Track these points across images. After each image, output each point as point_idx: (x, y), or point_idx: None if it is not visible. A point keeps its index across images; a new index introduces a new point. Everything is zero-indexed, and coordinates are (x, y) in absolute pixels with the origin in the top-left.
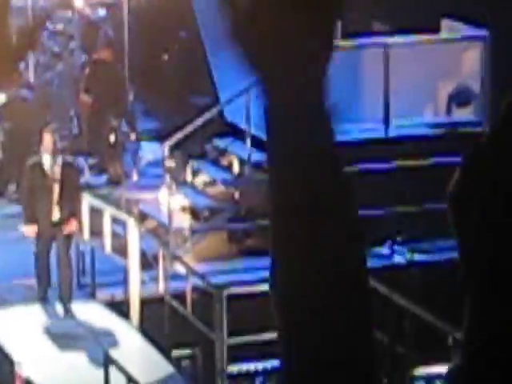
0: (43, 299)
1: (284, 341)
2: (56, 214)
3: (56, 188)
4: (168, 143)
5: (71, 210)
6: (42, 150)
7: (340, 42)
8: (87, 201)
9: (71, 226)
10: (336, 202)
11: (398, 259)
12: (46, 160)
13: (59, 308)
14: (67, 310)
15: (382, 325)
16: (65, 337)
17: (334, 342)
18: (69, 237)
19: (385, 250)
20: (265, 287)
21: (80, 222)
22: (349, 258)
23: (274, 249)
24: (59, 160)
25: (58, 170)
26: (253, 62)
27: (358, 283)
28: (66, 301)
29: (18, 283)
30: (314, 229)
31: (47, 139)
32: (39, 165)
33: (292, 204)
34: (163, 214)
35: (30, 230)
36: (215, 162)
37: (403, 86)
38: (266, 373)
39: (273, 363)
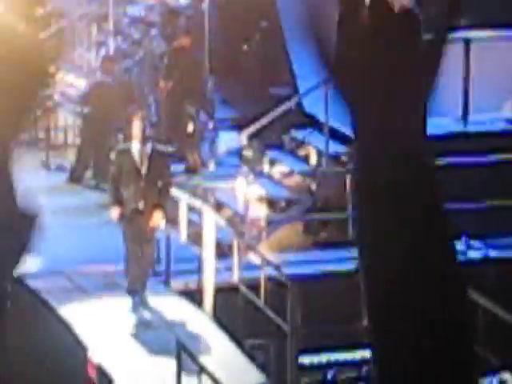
0: (132, 292)
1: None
2: (141, 204)
3: (143, 177)
4: (246, 133)
5: (157, 201)
6: (131, 137)
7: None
8: None
9: (155, 220)
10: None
11: (472, 254)
12: (135, 147)
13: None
14: (142, 300)
15: None
16: (138, 325)
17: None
18: (153, 228)
19: (460, 245)
20: (338, 279)
21: (166, 214)
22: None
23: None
24: (148, 148)
25: (146, 158)
26: (346, 99)
27: (446, 275)
28: (141, 291)
29: (95, 269)
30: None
31: (136, 126)
32: (128, 152)
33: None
34: (239, 204)
35: (114, 214)
36: (293, 153)
37: (483, 82)
38: (338, 365)
39: (345, 355)
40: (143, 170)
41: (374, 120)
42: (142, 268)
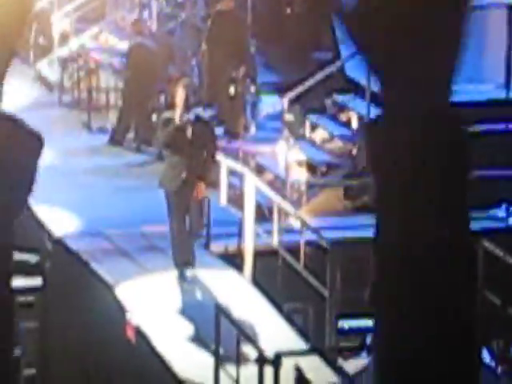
0: (179, 265)
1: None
2: (184, 174)
3: (187, 146)
4: (287, 97)
5: (201, 171)
6: (174, 104)
7: None
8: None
9: (199, 192)
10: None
11: None
12: (179, 115)
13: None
14: (188, 274)
15: (495, 287)
16: (178, 289)
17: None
18: (197, 199)
19: (501, 212)
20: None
21: (211, 185)
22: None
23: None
24: (192, 116)
25: (190, 127)
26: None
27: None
28: (189, 264)
29: (136, 232)
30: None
31: (180, 94)
32: (171, 120)
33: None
34: (280, 168)
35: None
36: (334, 118)
37: None
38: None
39: None
40: (187, 139)
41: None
42: (188, 241)
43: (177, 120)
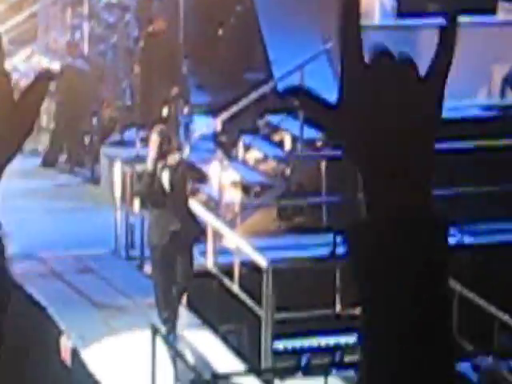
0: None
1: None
2: (171, 228)
3: (165, 196)
4: (220, 118)
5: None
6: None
7: (395, 22)
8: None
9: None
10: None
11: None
12: (151, 163)
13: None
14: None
15: None
16: (112, 308)
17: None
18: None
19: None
20: (311, 264)
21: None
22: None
23: None
24: (169, 162)
25: (166, 174)
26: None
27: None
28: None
29: (69, 254)
30: None
31: (154, 140)
32: (146, 173)
33: None
34: (214, 189)
35: None
36: (267, 138)
37: (457, 68)
38: (312, 350)
39: (319, 340)
40: (165, 189)
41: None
42: (173, 298)
43: (149, 167)
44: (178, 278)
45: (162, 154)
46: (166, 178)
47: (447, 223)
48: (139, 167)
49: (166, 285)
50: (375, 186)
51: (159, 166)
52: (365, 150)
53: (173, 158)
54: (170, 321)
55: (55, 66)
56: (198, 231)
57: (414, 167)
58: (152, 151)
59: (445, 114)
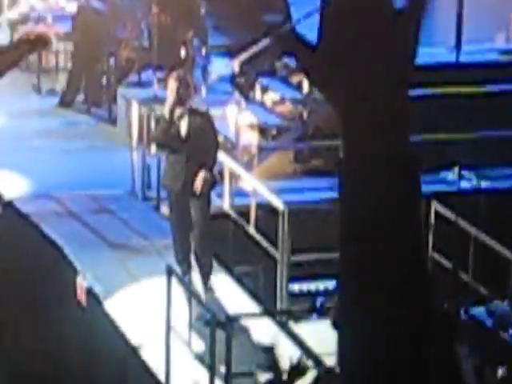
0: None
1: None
2: (183, 174)
3: (182, 143)
4: (238, 59)
5: (200, 169)
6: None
7: None
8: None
9: (198, 186)
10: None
11: (464, 185)
12: (168, 110)
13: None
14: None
15: (446, 251)
16: (127, 248)
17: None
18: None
19: (451, 176)
20: (327, 207)
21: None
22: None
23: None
24: (186, 109)
25: (184, 122)
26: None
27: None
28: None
29: (86, 194)
30: None
31: (171, 86)
32: (163, 117)
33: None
34: (231, 131)
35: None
36: (285, 80)
37: (476, 13)
38: (327, 293)
39: (334, 283)
40: (181, 136)
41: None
42: (188, 245)
43: (166, 115)
44: (194, 224)
45: (179, 100)
46: (183, 124)
47: (418, 163)
48: (158, 110)
49: (182, 228)
50: (350, 129)
51: (177, 112)
52: (341, 89)
53: (190, 104)
54: (185, 262)
55: (72, 7)
56: (212, 180)
57: (387, 113)
58: (170, 97)
59: (463, 59)
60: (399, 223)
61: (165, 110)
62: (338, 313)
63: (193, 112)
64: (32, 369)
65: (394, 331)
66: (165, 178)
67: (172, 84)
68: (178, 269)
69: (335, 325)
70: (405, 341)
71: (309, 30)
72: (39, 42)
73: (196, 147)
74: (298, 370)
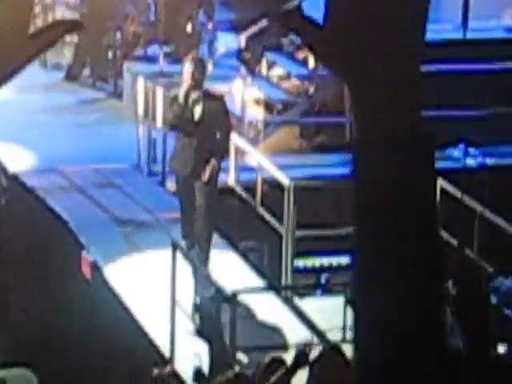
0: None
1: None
2: (194, 157)
3: (195, 126)
4: (244, 35)
5: (211, 155)
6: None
7: None
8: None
9: (205, 175)
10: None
11: (469, 162)
12: (184, 93)
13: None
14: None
15: (451, 228)
16: (132, 222)
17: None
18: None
19: (457, 152)
20: (333, 183)
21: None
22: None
23: None
24: (200, 92)
25: (198, 105)
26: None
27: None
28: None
29: (87, 168)
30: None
31: (187, 68)
32: (177, 98)
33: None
34: (237, 106)
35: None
36: (291, 56)
37: None
38: (331, 269)
39: (339, 259)
40: (195, 119)
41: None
42: (197, 227)
43: (181, 98)
44: (197, 209)
45: (195, 83)
46: (198, 107)
47: (433, 142)
48: (167, 87)
49: (188, 208)
50: (362, 108)
51: (192, 95)
52: (351, 67)
53: (203, 89)
54: (190, 237)
55: None
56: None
57: (400, 90)
58: (185, 79)
59: (470, 35)
60: (415, 199)
61: (180, 92)
62: (353, 290)
63: (208, 95)
64: (37, 339)
65: (411, 306)
66: (172, 162)
67: (188, 66)
68: (183, 243)
69: (350, 302)
70: (423, 315)
71: (314, 7)
72: (75, 25)
73: (209, 131)
74: (304, 356)
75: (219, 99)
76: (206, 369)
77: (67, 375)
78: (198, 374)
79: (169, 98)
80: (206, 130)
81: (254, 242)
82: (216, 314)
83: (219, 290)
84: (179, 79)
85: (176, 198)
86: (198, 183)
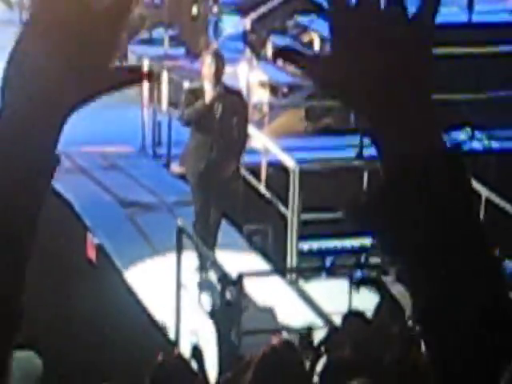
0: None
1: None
2: (212, 154)
3: (216, 123)
4: (250, 17)
5: (230, 151)
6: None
7: None
8: (166, 72)
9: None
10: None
11: (475, 145)
12: (210, 90)
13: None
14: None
15: None
16: (136, 205)
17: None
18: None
19: (462, 136)
20: (338, 165)
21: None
22: None
23: None
24: (222, 88)
25: (219, 101)
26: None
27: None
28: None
29: (92, 150)
30: None
31: (209, 63)
32: (195, 93)
33: None
34: (242, 88)
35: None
36: (296, 38)
37: None
38: (337, 251)
39: (344, 242)
40: (217, 116)
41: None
42: (210, 229)
43: (208, 97)
44: (214, 224)
45: (216, 78)
46: (218, 104)
47: (460, 157)
48: (187, 84)
49: (202, 215)
50: (377, 134)
51: (213, 91)
52: (358, 93)
53: (222, 85)
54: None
55: None
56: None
57: (411, 113)
58: (206, 74)
59: (476, 18)
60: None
61: (201, 87)
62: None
63: (228, 91)
64: (42, 321)
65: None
66: (187, 158)
67: (209, 60)
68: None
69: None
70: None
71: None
72: (148, 77)
73: (227, 127)
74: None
75: (239, 94)
76: (205, 345)
77: (72, 357)
78: (195, 350)
79: (184, 92)
80: (224, 126)
81: (258, 225)
82: (221, 297)
83: (225, 273)
84: (182, 62)
85: (180, 181)
86: (215, 194)
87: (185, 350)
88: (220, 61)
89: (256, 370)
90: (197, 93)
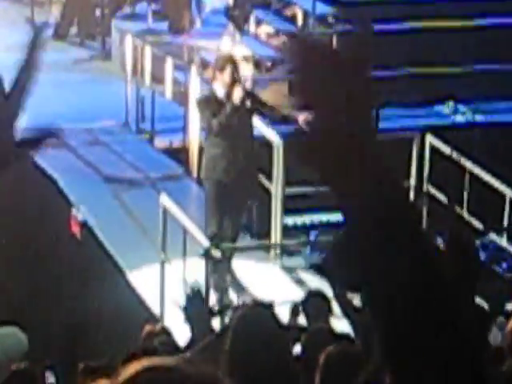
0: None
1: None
2: (242, 162)
3: (240, 128)
4: None
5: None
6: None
7: None
8: (149, 47)
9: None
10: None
11: (459, 119)
12: (237, 97)
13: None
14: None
15: (440, 184)
16: (121, 181)
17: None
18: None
19: (446, 109)
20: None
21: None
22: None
23: None
24: (238, 95)
25: (241, 106)
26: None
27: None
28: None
29: (79, 127)
30: None
31: (228, 69)
32: (212, 100)
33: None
34: None
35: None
36: (279, 13)
37: None
38: (321, 226)
39: (328, 216)
40: (240, 120)
41: None
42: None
43: (236, 102)
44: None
45: (235, 84)
46: (241, 109)
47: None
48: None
49: (219, 214)
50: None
51: (235, 97)
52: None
53: (239, 90)
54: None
55: None
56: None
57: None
58: (225, 85)
59: None
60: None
61: (216, 94)
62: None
63: (248, 95)
64: (26, 298)
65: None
66: (210, 167)
67: (227, 68)
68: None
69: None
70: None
71: None
72: None
73: (245, 132)
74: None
75: (255, 97)
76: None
77: (57, 334)
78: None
79: (199, 103)
80: (246, 131)
81: None
82: (205, 271)
83: (208, 248)
84: (165, 36)
85: (164, 156)
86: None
87: (169, 323)
88: (237, 67)
89: (234, 328)
90: (211, 100)
